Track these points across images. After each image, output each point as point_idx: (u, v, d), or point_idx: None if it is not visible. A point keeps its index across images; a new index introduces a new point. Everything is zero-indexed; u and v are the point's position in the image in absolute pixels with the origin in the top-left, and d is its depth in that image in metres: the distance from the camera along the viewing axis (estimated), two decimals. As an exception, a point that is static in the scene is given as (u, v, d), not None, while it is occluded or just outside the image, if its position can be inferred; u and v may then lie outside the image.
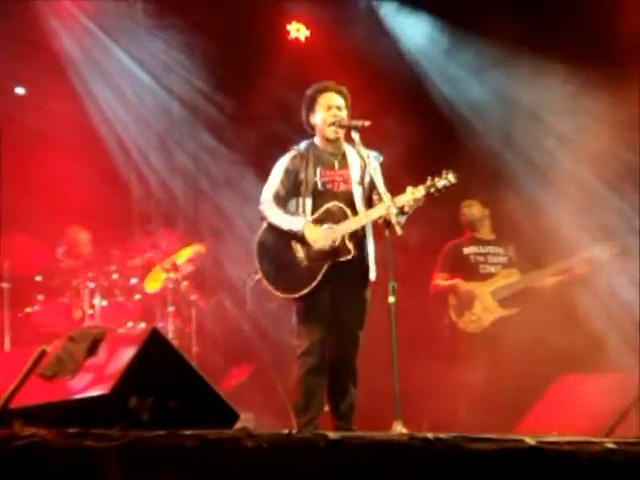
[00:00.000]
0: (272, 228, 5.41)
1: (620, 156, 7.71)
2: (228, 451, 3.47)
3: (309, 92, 5.59)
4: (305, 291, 5.28)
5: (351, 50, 8.59)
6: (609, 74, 7.64)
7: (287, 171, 5.44)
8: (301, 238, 5.33)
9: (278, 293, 5.36)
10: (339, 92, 5.55)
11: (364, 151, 5.34)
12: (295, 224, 5.35)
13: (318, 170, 5.44)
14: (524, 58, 8.10)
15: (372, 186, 5.42)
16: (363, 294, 5.43)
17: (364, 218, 5.34)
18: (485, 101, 8.43)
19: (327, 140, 5.51)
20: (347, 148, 5.54)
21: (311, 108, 5.55)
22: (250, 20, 8.72)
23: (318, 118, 5.51)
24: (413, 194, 5.32)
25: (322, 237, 5.30)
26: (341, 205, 5.39)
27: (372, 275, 5.40)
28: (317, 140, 5.55)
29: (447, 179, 5.36)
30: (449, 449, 3.71)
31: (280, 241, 5.38)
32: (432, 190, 5.34)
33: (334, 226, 5.32)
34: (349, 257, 5.33)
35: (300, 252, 5.33)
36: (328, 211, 5.39)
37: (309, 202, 5.40)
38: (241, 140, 8.93)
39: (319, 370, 5.31)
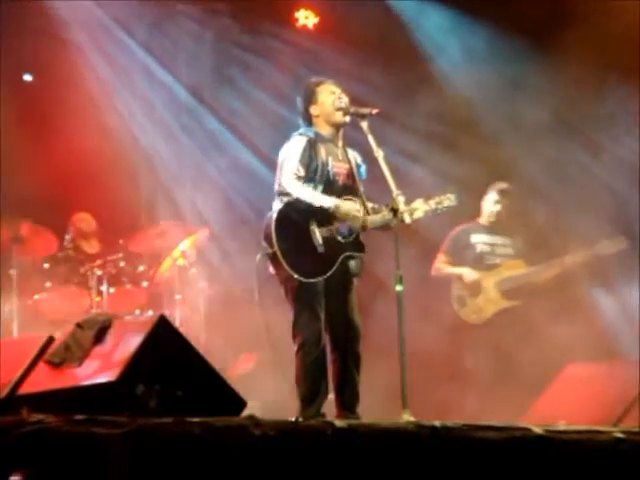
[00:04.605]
0: (291, 207, 5.30)
1: (632, 148, 7.68)
2: (235, 439, 3.47)
3: (307, 84, 5.62)
4: (319, 278, 5.24)
5: (360, 37, 8.56)
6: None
7: (304, 154, 5.36)
8: (323, 221, 5.28)
9: (292, 272, 5.22)
10: (336, 84, 5.57)
11: (372, 141, 5.26)
12: (327, 201, 5.29)
13: (330, 159, 5.42)
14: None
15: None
16: (352, 281, 5.43)
17: (387, 215, 5.27)
18: (497, 88, 8.38)
19: (333, 126, 5.48)
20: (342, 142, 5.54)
21: (311, 99, 5.53)
22: (258, 6, 8.71)
23: (321, 105, 5.49)
24: (424, 209, 5.41)
25: (354, 210, 5.30)
26: (357, 200, 5.38)
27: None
28: (320, 130, 5.51)
29: (450, 200, 5.52)
30: (456, 437, 3.71)
31: (299, 222, 5.29)
32: (438, 210, 5.49)
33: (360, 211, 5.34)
34: (362, 254, 5.38)
35: (318, 238, 5.27)
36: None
37: (320, 189, 5.36)
38: (250, 127, 8.93)
39: (322, 358, 5.31)
